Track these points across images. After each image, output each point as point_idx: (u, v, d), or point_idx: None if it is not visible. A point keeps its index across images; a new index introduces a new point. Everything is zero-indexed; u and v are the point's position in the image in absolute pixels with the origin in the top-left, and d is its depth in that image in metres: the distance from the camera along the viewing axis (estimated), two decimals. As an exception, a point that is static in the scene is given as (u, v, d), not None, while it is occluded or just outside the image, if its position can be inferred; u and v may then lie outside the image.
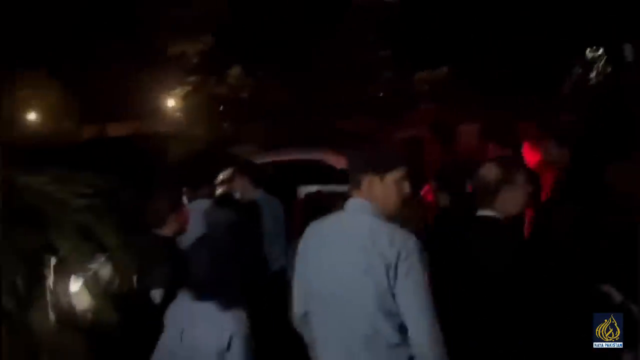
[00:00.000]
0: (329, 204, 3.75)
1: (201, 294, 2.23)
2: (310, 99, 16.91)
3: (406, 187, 2.14)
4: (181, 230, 2.87)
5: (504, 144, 5.08)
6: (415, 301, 1.93)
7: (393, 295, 1.94)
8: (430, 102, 19.23)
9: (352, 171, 2.17)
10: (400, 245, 1.96)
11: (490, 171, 2.51)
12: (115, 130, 16.76)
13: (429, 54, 17.71)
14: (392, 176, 2.12)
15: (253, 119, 16.67)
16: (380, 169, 2.11)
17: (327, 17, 17.13)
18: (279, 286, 3.57)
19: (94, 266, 2.47)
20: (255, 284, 3.35)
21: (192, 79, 17.76)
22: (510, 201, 2.44)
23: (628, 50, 16.89)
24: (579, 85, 17.58)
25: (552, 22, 15.40)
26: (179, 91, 17.83)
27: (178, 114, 18.07)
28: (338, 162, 7.20)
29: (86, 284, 2.35)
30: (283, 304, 3.41)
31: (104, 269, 2.46)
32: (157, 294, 2.53)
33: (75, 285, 2.62)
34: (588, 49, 17.32)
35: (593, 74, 17.78)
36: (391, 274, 1.94)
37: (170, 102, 18.13)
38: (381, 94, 19.52)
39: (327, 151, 7.85)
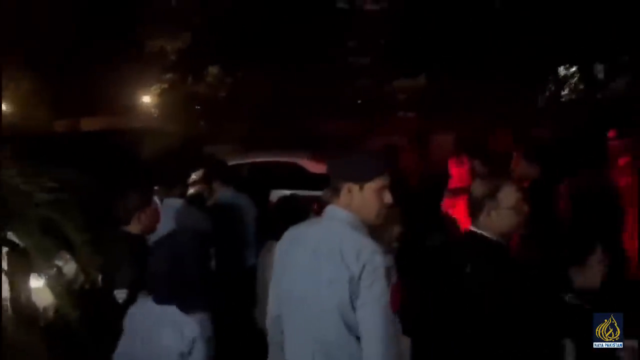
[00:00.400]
0: (301, 209, 3.73)
1: (163, 296, 2.17)
2: (289, 101, 16.90)
3: (387, 197, 2.09)
4: (150, 229, 2.80)
5: (476, 156, 5.16)
6: (372, 317, 1.91)
7: (354, 309, 1.93)
8: (408, 110, 19.44)
9: (332, 178, 2.12)
10: (367, 258, 1.93)
11: (477, 187, 2.46)
12: (89, 124, 16.48)
13: (408, 63, 17.87)
14: (373, 185, 2.06)
15: (231, 119, 16.56)
16: (361, 178, 2.06)
17: (309, 20, 17.15)
18: (247, 285, 3.54)
19: (58, 263, 2.40)
20: (222, 284, 3.31)
21: (169, 76, 17.57)
22: (496, 220, 2.37)
23: (600, 69, 17.36)
24: (552, 101, 17.99)
25: (528, 37, 15.69)
26: (156, 88, 17.61)
27: (154, 110, 17.85)
28: (314, 166, 7.18)
29: (48, 281, 2.28)
30: (250, 302, 3.38)
31: (67, 265, 2.39)
32: (121, 294, 2.46)
33: (36, 281, 2.54)
34: (561, 66, 17.73)
35: (566, 91, 18.21)
36: (354, 287, 1.93)
37: (147, 99, 17.90)
38: (359, 100, 19.63)
39: (304, 155, 7.82)
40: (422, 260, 2.97)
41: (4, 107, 17.75)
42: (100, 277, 2.38)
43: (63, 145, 10.46)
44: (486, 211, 2.37)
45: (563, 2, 14.44)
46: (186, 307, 2.14)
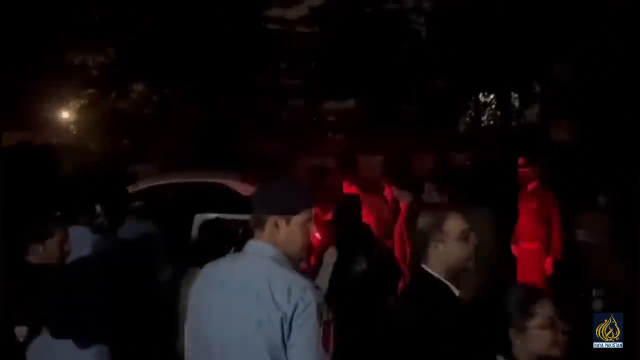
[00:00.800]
0: (227, 233, 3.62)
1: (63, 330, 2.00)
2: (217, 119, 16.68)
3: (311, 229, 2.01)
4: (53, 261, 2.52)
5: (398, 179, 5.30)
6: (304, 357, 1.82)
7: (285, 350, 1.83)
8: (337, 132, 19.75)
9: (257, 210, 2.00)
10: (299, 296, 1.84)
11: (422, 220, 2.31)
12: (5, 140, 15.45)
13: (338, 85, 18.23)
14: (300, 218, 1.98)
15: (155, 138, 16.08)
16: (289, 211, 1.96)
17: (240, 39, 17.10)
18: (160, 317, 3.34)
19: None
20: (129, 315, 3.10)
21: (90, 91, 16.84)
22: (443, 253, 2.24)
23: (515, 98, 18.50)
24: (471, 127, 18.94)
25: (451, 63, 16.48)
26: (75, 103, 16.81)
27: (72, 127, 17.00)
28: (243, 188, 7.04)
29: None
30: (170, 334, 3.21)
31: None
32: (21, 331, 2.23)
33: None
34: (480, 94, 18.75)
35: (484, 117, 19.26)
36: (286, 326, 1.83)
37: (65, 114, 17.03)
38: (288, 120, 19.71)
39: (232, 175, 7.65)
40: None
41: None
42: None
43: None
44: (433, 245, 2.25)
45: (483, 33, 15.29)
46: (86, 341, 1.99)
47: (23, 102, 15.81)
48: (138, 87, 17.30)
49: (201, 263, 2.22)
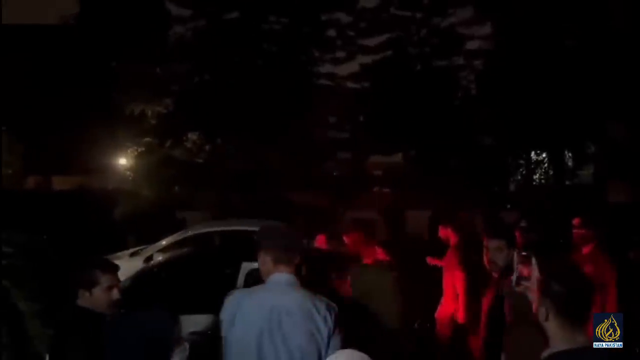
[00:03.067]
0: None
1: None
2: (266, 170, 17.00)
3: None
4: (114, 307, 2.48)
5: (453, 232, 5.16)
6: None
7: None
8: (383, 186, 19.72)
9: (289, 247, 2.34)
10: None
11: None
12: (61, 183, 16.22)
13: (385, 140, 18.34)
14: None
15: (206, 185, 16.50)
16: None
17: (292, 93, 17.62)
18: None
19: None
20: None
21: (147, 139, 17.60)
22: None
23: (568, 157, 18.04)
24: (523, 185, 18.50)
25: (503, 123, 16.33)
26: (133, 150, 17.58)
27: (129, 173, 17.70)
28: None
29: None
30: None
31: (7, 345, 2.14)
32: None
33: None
34: (533, 152, 18.40)
35: (536, 176, 18.80)
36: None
37: (122, 160, 17.79)
38: (335, 173, 19.86)
39: (277, 225, 7.73)
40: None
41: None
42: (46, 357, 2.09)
43: (32, 204, 10.22)
44: None
45: (535, 91, 15.15)
46: None
47: (82, 149, 16.67)
48: (193, 135, 17.97)
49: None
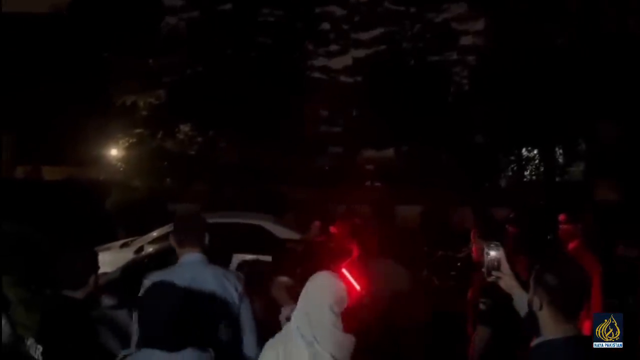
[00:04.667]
0: (263, 274, 3.64)
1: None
2: (258, 163, 16.98)
3: None
4: (91, 296, 2.45)
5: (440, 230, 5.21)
6: None
7: None
8: (375, 180, 19.76)
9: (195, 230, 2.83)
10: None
11: None
12: (51, 173, 16.12)
13: (377, 134, 18.36)
14: None
15: (198, 177, 16.46)
16: None
17: (285, 86, 17.58)
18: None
19: None
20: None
21: (139, 130, 17.51)
22: None
23: (559, 154, 18.16)
24: (513, 182, 18.60)
25: (495, 120, 16.39)
26: (124, 141, 17.48)
27: (120, 164, 17.61)
28: (278, 230, 7.09)
29: None
30: None
31: (4, 328, 2.15)
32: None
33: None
34: (524, 149, 18.49)
35: (527, 172, 18.92)
36: None
37: (113, 151, 17.70)
38: (327, 167, 19.87)
39: (268, 218, 7.74)
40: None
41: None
42: (38, 349, 2.09)
43: (22, 193, 10.16)
44: None
45: (528, 87, 15.21)
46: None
47: (73, 139, 16.57)
48: (185, 127, 17.89)
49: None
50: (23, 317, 2.08)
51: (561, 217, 4.60)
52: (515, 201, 12.24)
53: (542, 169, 18.50)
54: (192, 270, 2.68)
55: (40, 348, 2.08)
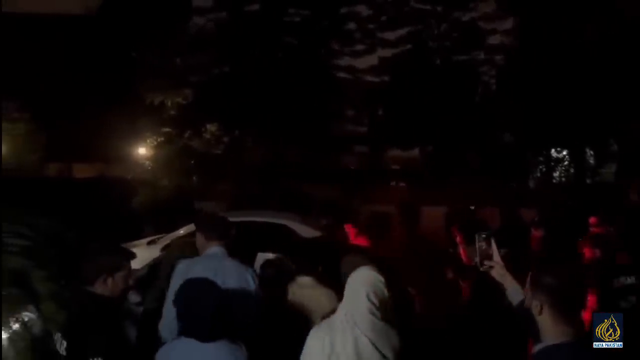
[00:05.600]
0: (288, 273, 3.64)
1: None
2: (283, 162, 17.06)
3: None
4: (117, 294, 2.47)
5: (464, 232, 5.12)
6: None
7: None
8: (400, 181, 19.65)
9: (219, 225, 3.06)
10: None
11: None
12: (81, 170, 16.47)
13: (403, 134, 18.25)
14: None
15: (224, 176, 16.62)
16: None
17: (311, 86, 17.62)
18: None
19: (26, 317, 2.22)
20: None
21: (166, 129, 17.77)
22: None
23: (590, 155, 17.76)
24: (542, 183, 18.27)
25: (523, 120, 16.13)
26: (152, 140, 17.76)
27: (148, 162, 17.89)
28: (303, 229, 7.09)
29: (12, 338, 2.09)
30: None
31: (36, 322, 2.20)
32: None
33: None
34: (553, 150, 18.15)
35: (556, 173, 18.56)
36: None
37: (142, 150, 17.99)
38: (353, 167, 19.83)
39: (293, 217, 7.75)
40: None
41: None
42: (63, 344, 2.13)
43: (53, 190, 10.39)
44: None
45: (557, 87, 14.93)
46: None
47: (103, 138, 16.90)
48: (213, 127, 18.07)
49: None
50: (53, 311, 2.11)
51: (592, 219, 4.50)
52: (544, 203, 12.01)
53: (572, 170, 18.13)
54: (215, 261, 2.89)
55: (64, 343, 2.11)
